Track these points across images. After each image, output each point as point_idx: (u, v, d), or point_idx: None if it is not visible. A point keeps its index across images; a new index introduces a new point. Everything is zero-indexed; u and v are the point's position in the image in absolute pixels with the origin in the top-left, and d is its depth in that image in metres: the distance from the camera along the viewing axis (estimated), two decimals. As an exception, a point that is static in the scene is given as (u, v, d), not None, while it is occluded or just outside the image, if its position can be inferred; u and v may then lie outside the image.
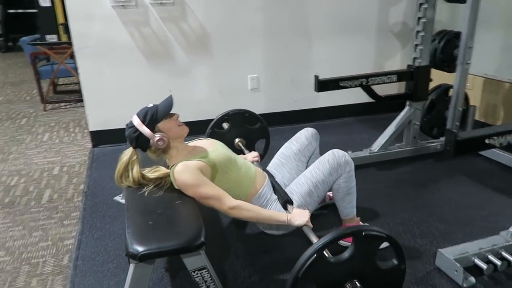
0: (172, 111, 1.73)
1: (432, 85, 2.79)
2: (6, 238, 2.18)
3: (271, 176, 1.95)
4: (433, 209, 2.27)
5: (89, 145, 3.31)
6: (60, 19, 5.51)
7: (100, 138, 3.24)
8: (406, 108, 2.80)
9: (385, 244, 1.37)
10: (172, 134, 1.72)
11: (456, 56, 2.51)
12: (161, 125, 1.69)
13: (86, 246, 2.06)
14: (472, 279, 1.69)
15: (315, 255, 1.24)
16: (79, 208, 2.42)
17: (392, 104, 3.15)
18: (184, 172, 1.67)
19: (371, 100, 3.81)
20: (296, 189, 1.85)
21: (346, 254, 1.32)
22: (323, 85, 2.54)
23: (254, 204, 1.75)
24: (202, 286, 1.54)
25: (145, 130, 1.67)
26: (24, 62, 6.02)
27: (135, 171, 1.73)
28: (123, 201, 1.95)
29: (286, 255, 1.93)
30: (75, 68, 3.32)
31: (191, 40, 3.22)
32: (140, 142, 1.70)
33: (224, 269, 1.87)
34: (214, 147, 1.82)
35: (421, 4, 2.56)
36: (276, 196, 1.86)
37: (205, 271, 1.53)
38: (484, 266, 1.70)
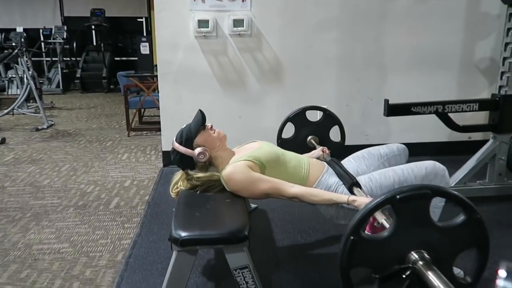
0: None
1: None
2: (73, 233, 2.30)
3: (333, 164, 1.85)
4: (522, 250, 1.95)
5: (161, 164, 3.48)
6: (156, 61, 6.14)
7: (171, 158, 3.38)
8: (490, 141, 2.53)
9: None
10: (210, 143, 1.75)
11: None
12: (197, 139, 1.73)
13: (140, 247, 2.10)
14: None
15: (352, 237, 1.09)
16: (140, 215, 2.51)
17: (478, 145, 2.84)
18: (234, 173, 1.66)
19: (452, 139, 3.54)
20: (378, 178, 1.73)
21: (391, 227, 1.14)
22: (393, 109, 2.43)
23: None
24: (242, 286, 1.46)
25: (184, 150, 1.72)
26: (120, 100, 6.67)
27: (185, 183, 1.80)
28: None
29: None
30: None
31: (264, 70, 3.33)
32: (185, 162, 1.76)
33: (271, 282, 1.76)
34: (259, 146, 1.81)
35: (509, 29, 2.40)
36: (341, 182, 1.74)
37: (247, 271, 1.45)
38: None
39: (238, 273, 1.45)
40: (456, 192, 1.12)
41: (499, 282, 0.52)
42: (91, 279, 1.85)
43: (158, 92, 3.45)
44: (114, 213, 2.56)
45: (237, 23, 3.18)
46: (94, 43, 9.45)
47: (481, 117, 3.29)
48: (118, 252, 2.09)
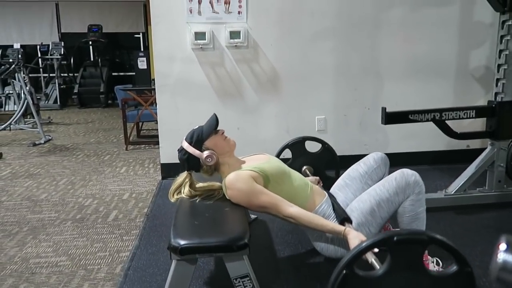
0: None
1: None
2: (70, 246, 2.27)
3: (331, 196, 1.85)
4: (524, 256, 1.93)
5: (159, 177, 3.47)
6: (153, 76, 6.16)
7: (170, 170, 3.37)
8: (489, 148, 2.54)
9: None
10: (220, 149, 1.74)
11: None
12: (207, 142, 1.73)
13: (139, 259, 2.07)
14: None
15: (344, 271, 1.10)
16: (139, 227, 2.48)
17: (477, 153, 2.82)
18: (237, 180, 1.65)
19: (450, 148, 3.55)
20: (357, 206, 1.72)
21: (383, 267, 1.15)
22: (391, 117, 2.44)
23: None
24: (243, 296, 1.44)
25: (193, 150, 1.72)
26: (118, 115, 6.69)
27: (187, 190, 1.77)
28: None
29: None
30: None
31: (261, 80, 3.35)
32: (191, 163, 1.75)
33: (272, 292, 1.73)
34: (267, 160, 1.81)
35: (502, 37, 2.42)
36: (334, 215, 1.74)
37: (248, 280, 1.43)
38: None
39: (239, 282, 1.43)
40: (451, 243, 1.14)
41: (500, 255, 0.52)
42: (89, 292, 1.82)
43: (156, 105, 3.46)
44: (113, 226, 2.54)
45: (234, 34, 3.21)
46: (92, 59, 9.50)
47: (478, 125, 3.31)
48: (116, 264, 2.06)
